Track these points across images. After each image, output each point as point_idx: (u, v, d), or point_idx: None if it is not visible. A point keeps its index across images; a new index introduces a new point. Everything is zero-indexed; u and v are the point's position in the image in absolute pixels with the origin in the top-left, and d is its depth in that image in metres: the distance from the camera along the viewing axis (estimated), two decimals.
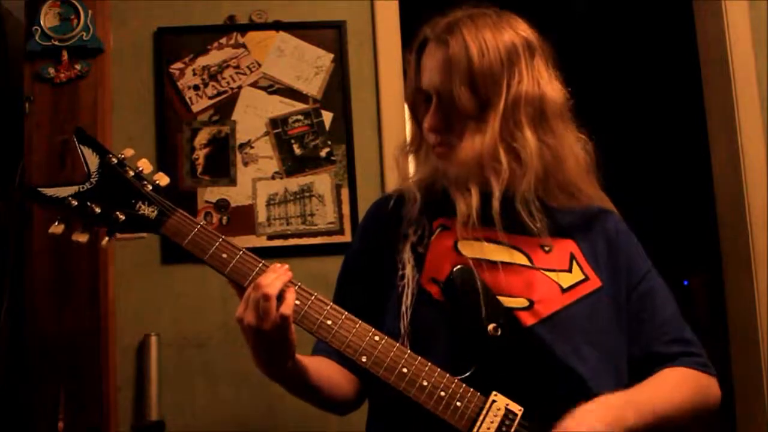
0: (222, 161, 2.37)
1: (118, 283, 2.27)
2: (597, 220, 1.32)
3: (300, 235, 2.35)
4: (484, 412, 1.11)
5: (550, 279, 1.23)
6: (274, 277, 1.09)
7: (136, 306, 2.28)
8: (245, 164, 2.37)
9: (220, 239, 1.14)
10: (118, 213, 1.14)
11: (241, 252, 1.14)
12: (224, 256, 1.13)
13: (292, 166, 2.38)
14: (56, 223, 1.13)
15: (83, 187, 1.13)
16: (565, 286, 1.23)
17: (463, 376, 1.13)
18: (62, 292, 2.14)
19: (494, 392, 1.12)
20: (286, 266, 1.12)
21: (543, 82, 1.24)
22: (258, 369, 1.15)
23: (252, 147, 2.38)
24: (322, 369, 1.25)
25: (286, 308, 1.07)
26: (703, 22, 2.63)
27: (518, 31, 1.25)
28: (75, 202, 1.12)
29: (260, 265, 1.13)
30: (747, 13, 2.49)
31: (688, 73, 2.93)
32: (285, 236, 2.35)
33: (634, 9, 4.04)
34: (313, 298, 1.13)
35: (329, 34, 2.44)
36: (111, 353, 2.20)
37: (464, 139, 1.21)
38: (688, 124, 3.28)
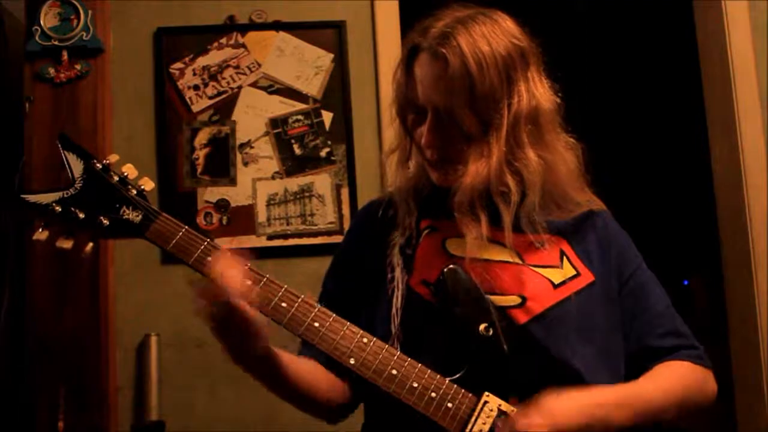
0: (222, 161, 2.37)
1: (118, 283, 2.27)
2: (587, 220, 1.32)
3: (300, 235, 2.35)
4: (476, 413, 1.10)
5: (540, 275, 1.22)
6: (224, 264, 1.09)
7: (136, 306, 2.28)
8: (245, 164, 2.37)
9: (205, 242, 1.13)
10: (102, 218, 1.13)
11: None
12: (209, 259, 1.12)
13: (292, 166, 2.38)
14: (40, 230, 1.12)
15: (67, 193, 1.13)
16: (556, 282, 1.22)
17: (454, 377, 1.13)
18: (62, 292, 2.14)
19: (486, 393, 1.12)
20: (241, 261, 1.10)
21: (538, 94, 1.22)
22: (237, 366, 1.14)
23: (252, 147, 2.38)
24: (304, 368, 1.23)
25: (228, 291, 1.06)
26: (703, 22, 2.63)
27: (512, 38, 1.22)
28: (59, 208, 1.12)
29: (247, 267, 1.12)
30: (747, 13, 2.49)
31: (688, 73, 2.93)
32: (285, 236, 2.34)
33: (634, 8, 4.03)
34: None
35: (329, 34, 2.44)
36: (111, 353, 2.20)
37: (469, 163, 1.19)
38: (688, 123, 3.28)
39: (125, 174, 1.17)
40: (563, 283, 1.23)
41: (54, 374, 2.09)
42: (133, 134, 2.35)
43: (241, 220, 2.34)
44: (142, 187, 1.17)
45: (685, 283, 4.65)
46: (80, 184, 1.14)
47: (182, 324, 2.25)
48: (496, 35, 1.20)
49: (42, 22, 2.21)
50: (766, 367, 2.35)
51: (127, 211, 1.14)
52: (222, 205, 2.35)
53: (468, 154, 1.20)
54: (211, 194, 2.35)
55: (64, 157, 1.16)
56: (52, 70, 2.21)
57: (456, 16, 1.23)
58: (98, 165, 1.16)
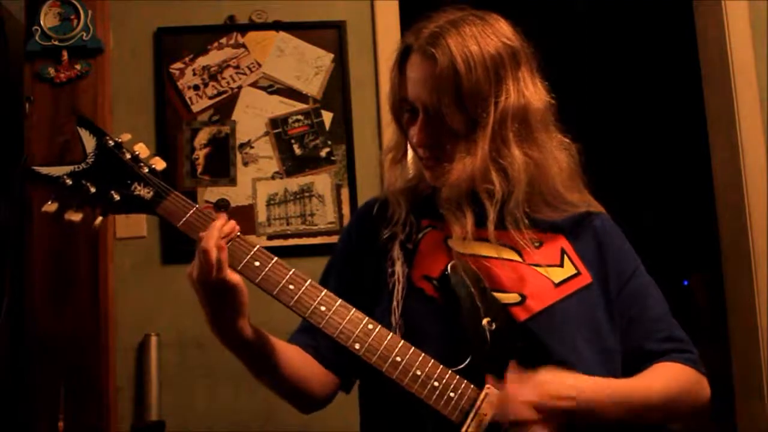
0: (222, 161, 2.37)
1: (118, 283, 2.27)
2: (584, 221, 1.33)
3: (300, 235, 2.35)
4: (477, 404, 1.11)
5: (541, 274, 1.23)
6: (215, 230, 1.08)
7: (136, 306, 2.28)
8: (245, 164, 2.37)
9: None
10: (113, 192, 1.13)
11: (236, 236, 1.13)
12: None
13: (292, 166, 2.38)
14: (50, 202, 1.13)
15: (79, 167, 1.14)
16: (556, 281, 1.23)
17: (458, 368, 1.13)
18: (62, 292, 2.14)
19: (488, 385, 1.12)
20: (232, 223, 1.11)
21: (528, 93, 1.23)
22: (213, 333, 1.14)
23: (252, 147, 2.38)
24: (289, 353, 1.23)
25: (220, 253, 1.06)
26: (704, 22, 2.63)
27: (502, 39, 1.23)
28: (70, 181, 1.12)
29: (254, 249, 1.13)
30: (747, 13, 2.49)
31: (688, 73, 2.93)
32: (285, 236, 2.35)
33: (634, 9, 4.04)
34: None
35: (329, 34, 2.44)
36: (111, 353, 2.20)
37: (455, 161, 1.21)
38: (688, 124, 3.28)
39: (137, 152, 1.19)
40: (564, 282, 1.24)
41: (54, 374, 2.09)
42: (133, 134, 2.32)
43: (241, 220, 2.30)
44: (154, 165, 1.18)
45: (685, 283, 4.65)
46: (92, 159, 1.15)
47: (182, 324, 2.25)
48: (486, 35, 1.22)
49: (42, 22, 2.21)
50: (766, 367, 2.35)
51: (139, 188, 1.15)
52: (222, 205, 2.35)
53: (455, 151, 1.22)
54: (211, 194, 2.35)
55: (77, 134, 1.16)
56: (52, 70, 2.20)
57: (448, 18, 1.24)
58: (111, 142, 1.18)
